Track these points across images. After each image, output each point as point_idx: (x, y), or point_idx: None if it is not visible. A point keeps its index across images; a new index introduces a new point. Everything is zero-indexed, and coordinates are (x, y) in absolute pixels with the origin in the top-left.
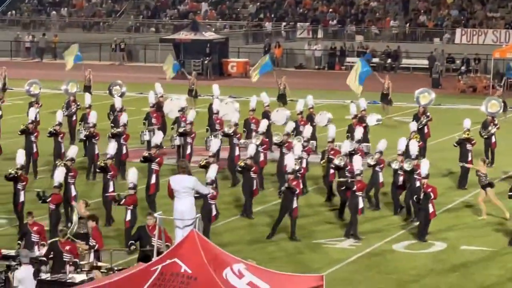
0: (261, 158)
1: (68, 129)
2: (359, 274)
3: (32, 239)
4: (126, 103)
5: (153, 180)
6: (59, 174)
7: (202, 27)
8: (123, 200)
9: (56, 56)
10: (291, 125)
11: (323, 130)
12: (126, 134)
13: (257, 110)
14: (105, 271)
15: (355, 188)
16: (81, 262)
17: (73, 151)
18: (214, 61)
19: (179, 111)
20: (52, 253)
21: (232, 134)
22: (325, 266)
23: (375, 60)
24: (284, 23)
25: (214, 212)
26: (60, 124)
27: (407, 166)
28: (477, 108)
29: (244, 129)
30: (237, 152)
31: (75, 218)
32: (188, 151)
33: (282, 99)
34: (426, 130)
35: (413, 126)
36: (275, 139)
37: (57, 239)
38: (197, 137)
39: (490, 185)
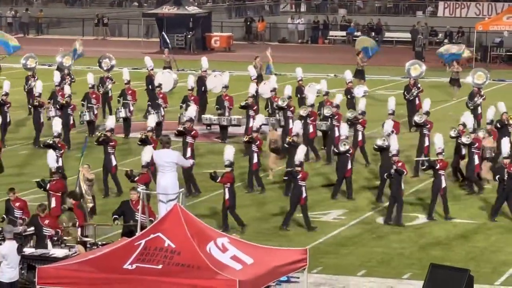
0: (311, 129)
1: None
2: (343, 248)
3: (15, 215)
4: None
5: (188, 153)
6: (148, 154)
7: (185, 1)
8: (219, 178)
9: (41, 31)
10: (339, 97)
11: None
12: (73, 105)
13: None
14: (89, 246)
15: (437, 167)
16: (65, 237)
17: (111, 121)
18: (197, 35)
19: (156, 87)
20: (33, 227)
21: (285, 107)
22: (309, 239)
23: (358, 34)
24: None
25: (304, 194)
26: (7, 94)
27: (465, 139)
28: (461, 80)
29: (217, 106)
30: (290, 125)
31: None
32: (250, 124)
33: (259, 78)
34: (417, 102)
35: (502, 106)
36: (326, 111)
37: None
38: (173, 112)
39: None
